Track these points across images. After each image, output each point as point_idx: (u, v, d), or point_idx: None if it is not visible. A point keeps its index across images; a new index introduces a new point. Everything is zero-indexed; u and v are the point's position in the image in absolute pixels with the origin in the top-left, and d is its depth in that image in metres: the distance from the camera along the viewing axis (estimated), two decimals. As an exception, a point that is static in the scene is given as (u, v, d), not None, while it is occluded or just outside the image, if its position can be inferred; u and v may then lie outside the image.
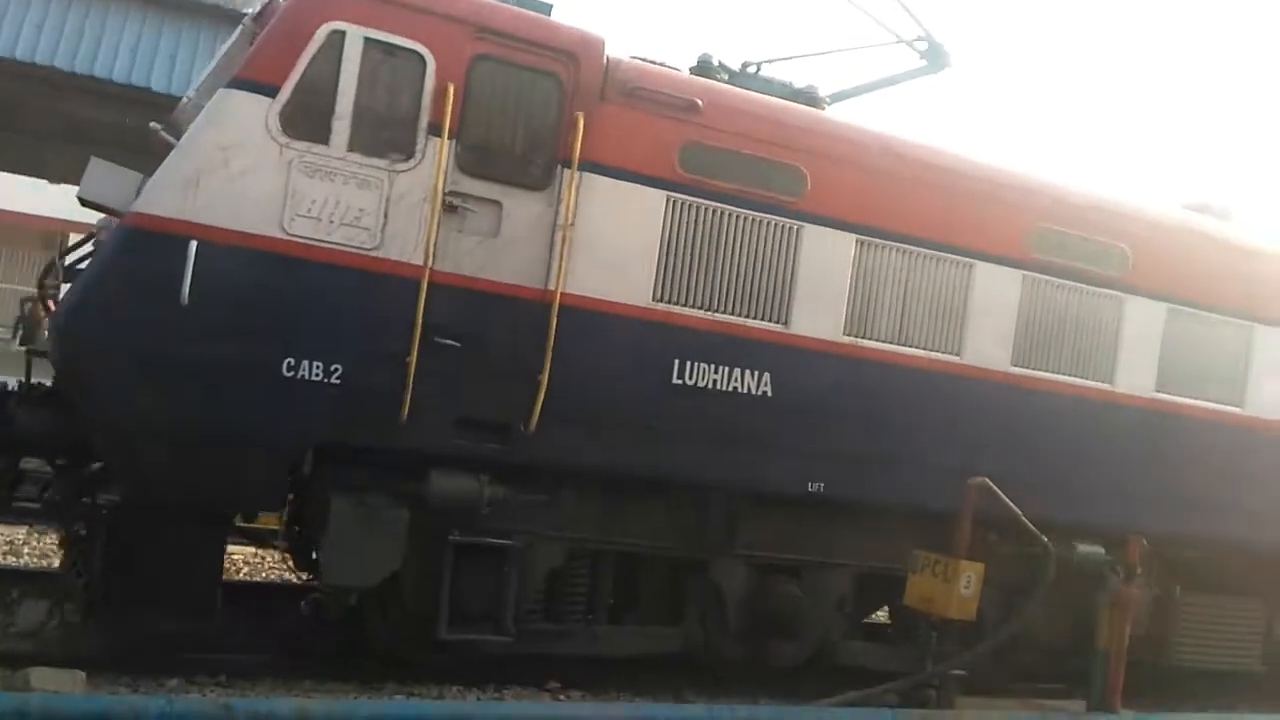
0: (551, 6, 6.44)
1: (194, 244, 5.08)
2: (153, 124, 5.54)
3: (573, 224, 5.86)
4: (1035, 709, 6.65)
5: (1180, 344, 7.63)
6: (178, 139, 5.39)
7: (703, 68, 6.98)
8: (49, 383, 5.86)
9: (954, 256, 6.95)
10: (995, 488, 6.24)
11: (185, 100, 5.65)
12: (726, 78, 6.99)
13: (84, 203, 5.56)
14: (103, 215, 6.25)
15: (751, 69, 7.28)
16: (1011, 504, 6.25)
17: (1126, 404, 7.42)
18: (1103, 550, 7.26)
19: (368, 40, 5.51)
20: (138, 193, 5.28)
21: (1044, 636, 7.21)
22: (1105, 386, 7.37)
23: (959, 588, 6.13)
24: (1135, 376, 7.44)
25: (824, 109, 7.21)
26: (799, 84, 7.24)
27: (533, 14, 6.09)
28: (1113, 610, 6.58)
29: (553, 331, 5.81)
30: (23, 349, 6.55)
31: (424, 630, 5.84)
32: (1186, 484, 7.48)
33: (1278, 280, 8.05)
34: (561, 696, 6.57)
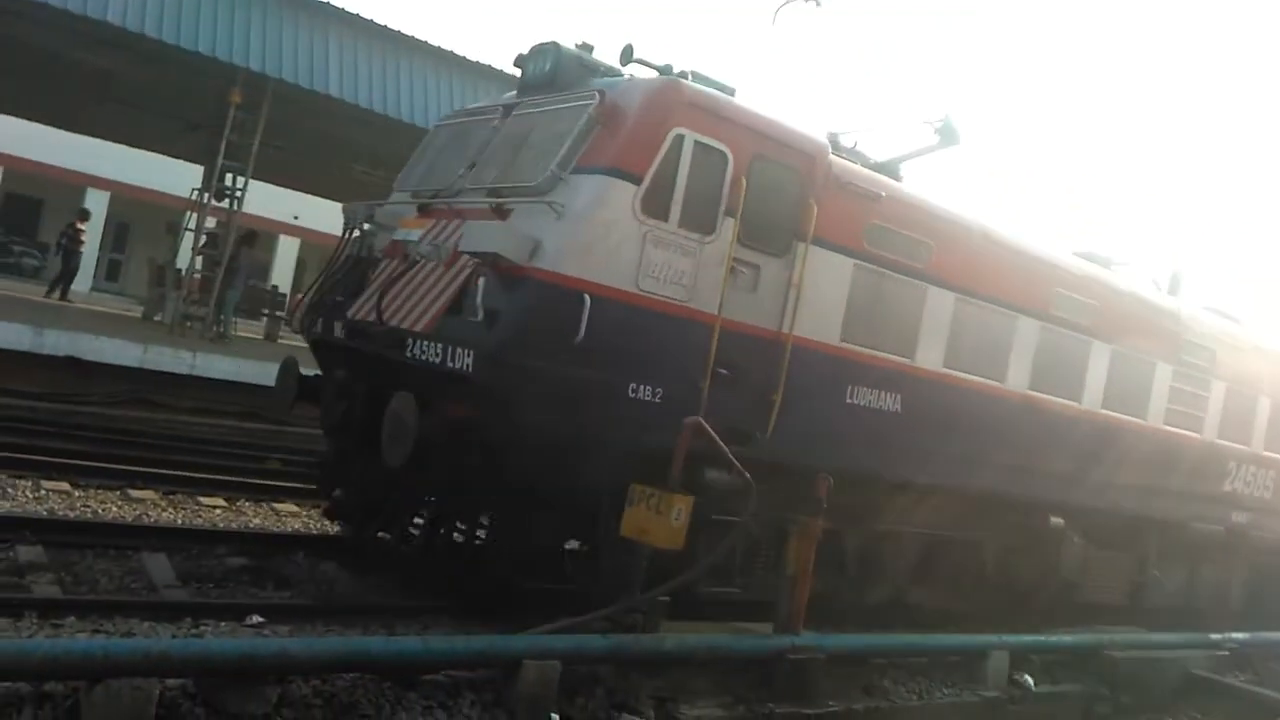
0: (735, 90, 7.65)
1: (588, 297, 6.39)
2: (555, 202, 6.60)
3: (803, 284, 7.51)
4: (729, 630, 7.16)
5: (1119, 374, 10.22)
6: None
7: (832, 146, 8.37)
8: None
9: (1002, 311, 9.08)
10: (708, 427, 6.60)
11: (554, 181, 6.76)
12: (844, 155, 8.48)
13: (471, 254, 6.66)
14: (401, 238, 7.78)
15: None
16: (720, 442, 6.66)
17: (1088, 417, 9.96)
18: (1062, 521, 9.79)
19: (696, 142, 6.98)
20: (533, 250, 6.45)
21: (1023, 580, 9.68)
22: (1075, 404, 9.82)
23: (670, 519, 6.42)
24: (1092, 396, 10.00)
25: (900, 179, 8.81)
26: (880, 158, 8.95)
27: (790, 124, 7.66)
28: (798, 540, 6.95)
29: (785, 364, 7.40)
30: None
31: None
32: (1108, 474, 10.13)
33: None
34: (266, 632, 6.34)
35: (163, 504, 9.27)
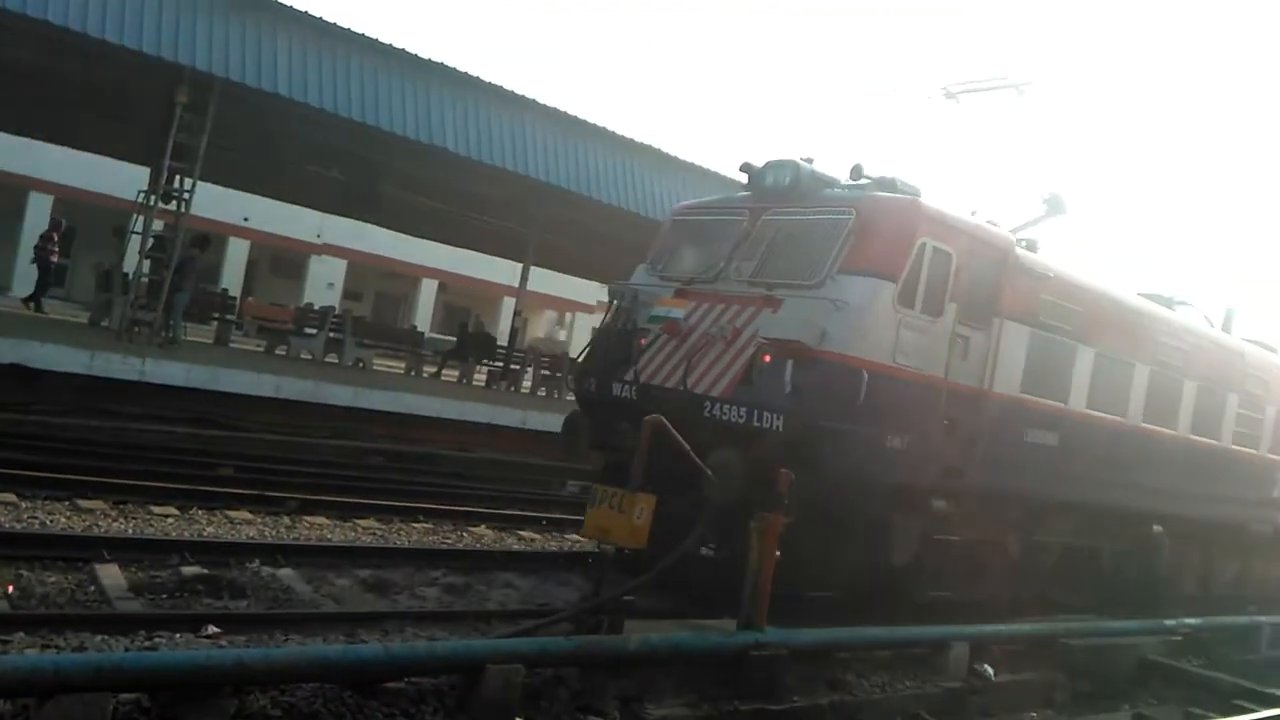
0: (919, 190, 9.22)
1: (865, 372, 8.08)
2: (834, 299, 8.28)
3: (998, 350, 9.39)
4: (693, 629, 7.15)
5: (1202, 404, 12.39)
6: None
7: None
8: None
9: (1125, 360, 11.10)
10: (669, 426, 6.61)
11: (824, 280, 8.52)
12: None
13: (773, 339, 8.29)
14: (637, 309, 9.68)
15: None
16: (681, 440, 6.66)
17: (1181, 440, 12.11)
18: (1161, 528, 11.81)
19: (933, 247, 8.76)
20: (821, 336, 8.12)
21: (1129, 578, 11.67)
22: (1171, 430, 11.93)
23: (633, 518, 6.44)
24: (1183, 423, 12.15)
25: (1038, 251, 10.43)
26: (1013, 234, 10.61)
27: (988, 225, 9.68)
28: (760, 536, 6.99)
29: (987, 413, 9.24)
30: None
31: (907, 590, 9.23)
32: (1192, 486, 12.26)
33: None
34: (224, 642, 6.24)
35: (113, 514, 9.07)
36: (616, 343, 9.63)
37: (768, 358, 8.31)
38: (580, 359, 10.18)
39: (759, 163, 9.71)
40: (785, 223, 9.22)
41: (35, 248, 23.45)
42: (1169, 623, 10.54)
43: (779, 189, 9.47)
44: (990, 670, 8.49)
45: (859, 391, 8.06)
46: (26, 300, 22.05)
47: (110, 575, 7.24)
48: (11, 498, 8.91)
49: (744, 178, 9.85)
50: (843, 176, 9.64)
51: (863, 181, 9.42)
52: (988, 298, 9.29)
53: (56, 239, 23.24)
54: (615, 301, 9.93)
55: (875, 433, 8.31)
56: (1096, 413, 10.67)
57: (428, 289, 43.98)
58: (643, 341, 9.44)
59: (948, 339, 8.89)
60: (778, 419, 8.07)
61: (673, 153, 21.68)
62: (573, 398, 10.00)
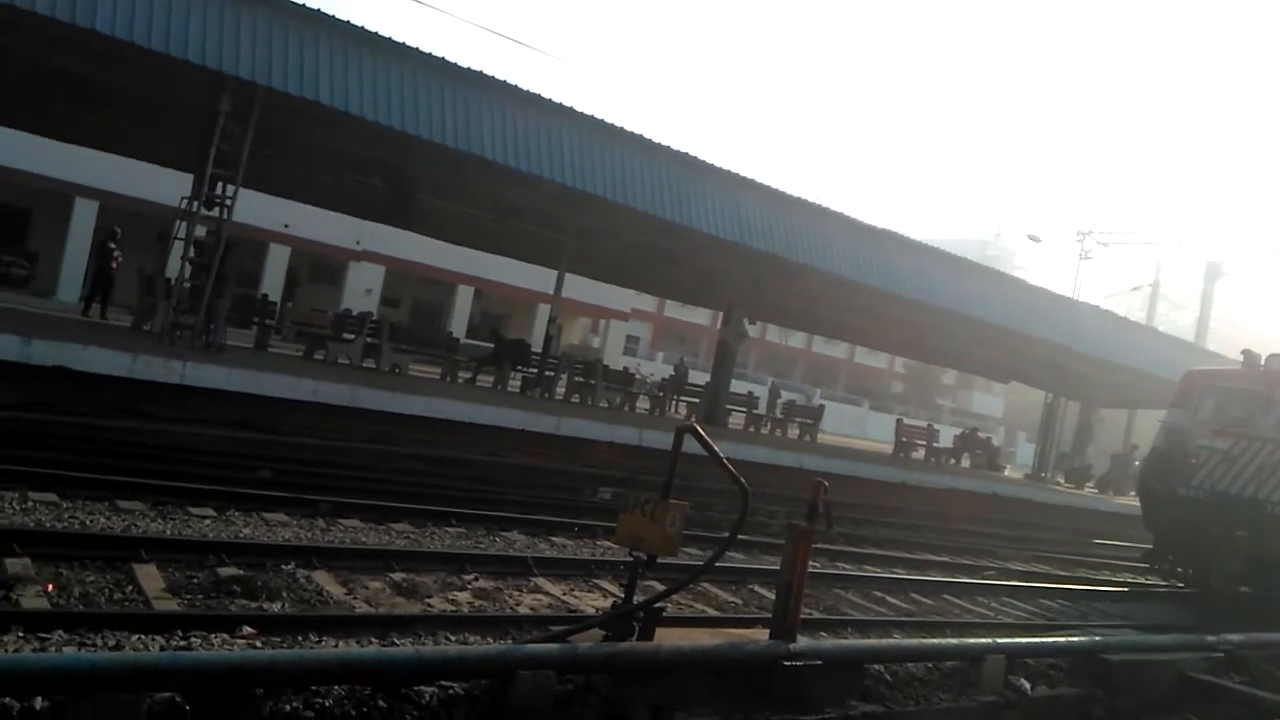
0: None
1: None
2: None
3: None
4: (725, 638, 7.10)
5: None
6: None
7: None
8: None
9: None
10: (702, 431, 6.58)
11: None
12: None
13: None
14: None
15: None
16: (715, 447, 6.62)
17: None
18: None
19: None
20: None
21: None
22: None
23: (665, 526, 6.39)
24: None
25: None
26: None
27: None
28: (795, 546, 7.11)
29: None
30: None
31: None
32: None
33: None
34: (258, 643, 6.28)
35: (152, 514, 9.19)
36: (1172, 461, 14.52)
37: None
38: (1142, 469, 15.86)
39: (1259, 354, 14.63)
40: None
41: (97, 258, 23.64)
42: (1210, 639, 10.33)
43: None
44: (1027, 685, 8.36)
45: None
46: (86, 309, 22.71)
47: (148, 575, 7.32)
48: (53, 497, 9.05)
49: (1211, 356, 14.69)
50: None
51: None
52: None
53: (116, 248, 22.97)
54: (1166, 434, 14.89)
55: None
56: None
57: (464, 295, 44.26)
58: (1193, 460, 14.14)
59: None
60: None
61: (706, 159, 21.69)
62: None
